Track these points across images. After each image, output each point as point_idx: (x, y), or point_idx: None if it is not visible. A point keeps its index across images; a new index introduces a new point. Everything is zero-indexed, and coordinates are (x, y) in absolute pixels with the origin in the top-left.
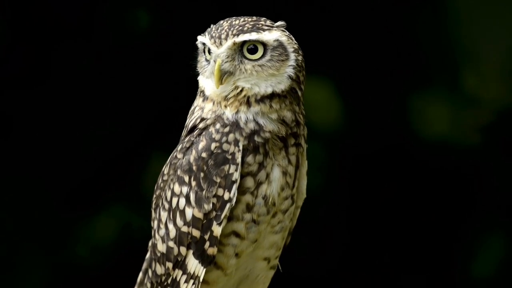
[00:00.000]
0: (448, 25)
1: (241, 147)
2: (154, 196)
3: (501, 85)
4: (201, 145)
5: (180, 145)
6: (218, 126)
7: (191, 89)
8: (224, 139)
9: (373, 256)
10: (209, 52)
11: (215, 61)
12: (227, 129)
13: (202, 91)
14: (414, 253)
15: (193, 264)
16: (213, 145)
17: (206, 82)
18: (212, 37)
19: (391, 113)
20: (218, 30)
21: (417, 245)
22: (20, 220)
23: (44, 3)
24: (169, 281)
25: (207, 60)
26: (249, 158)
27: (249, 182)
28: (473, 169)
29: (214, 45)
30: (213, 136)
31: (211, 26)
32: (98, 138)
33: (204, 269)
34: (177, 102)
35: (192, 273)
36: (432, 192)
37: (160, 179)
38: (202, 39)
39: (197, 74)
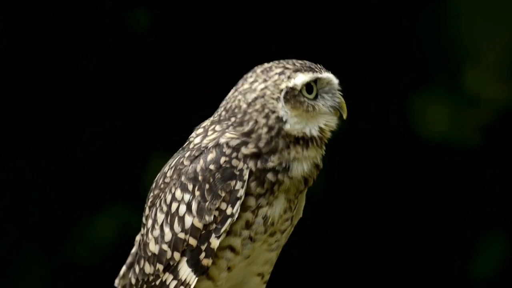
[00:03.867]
0: (448, 25)
1: (249, 166)
2: (152, 194)
3: (501, 85)
4: (210, 156)
5: (189, 152)
6: (231, 142)
7: (191, 89)
8: (234, 154)
9: (373, 256)
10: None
11: (340, 94)
12: (234, 144)
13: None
14: (414, 253)
15: (186, 272)
16: (223, 159)
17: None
18: (323, 70)
19: (391, 113)
20: (312, 65)
21: (417, 245)
22: (20, 220)
23: (44, 3)
24: (157, 282)
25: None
26: (252, 185)
27: (251, 202)
28: (473, 169)
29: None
30: (224, 150)
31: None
32: (98, 138)
33: (196, 278)
34: (177, 102)
35: (183, 280)
36: (432, 192)
37: (161, 180)
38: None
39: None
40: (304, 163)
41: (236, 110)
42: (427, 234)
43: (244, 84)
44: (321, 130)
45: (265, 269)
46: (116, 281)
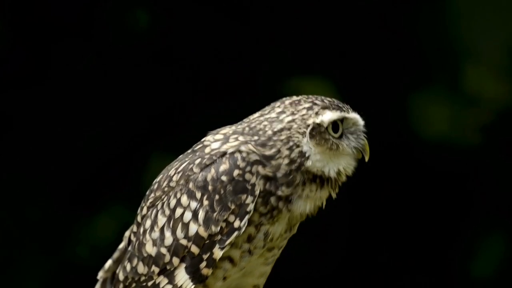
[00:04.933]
0: (448, 25)
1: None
2: (152, 195)
3: (501, 85)
4: (223, 167)
5: (199, 159)
6: (245, 154)
7: (191, 89)
8: (248, 168)
9: (373, 256)
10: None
11: (364, 136)
12: (253, 159)
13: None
14: (414, 253)
15: (182, 278)
16: (236, 172)
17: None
18: (350, 110)
19: (391, 113)
20: (340, 103)
21: (417, 245)
22: (20, 220)
23: (44, 3)
24: (149, 283)
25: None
26: (258, 201)
27: (255, 217)
28: (473, 169)
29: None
30: (238, 163)
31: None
32: (98, 138)
33: (193, 286)
34: (177, 102)
35: (179, 286)
36: (432, 192)
37: (166, 182)
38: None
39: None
40: (309, 203)
41: (261, 133)
42: (427, 234)
43: (271, 113)
44: (338, 172)
45: (260, 281)
46: (100, 274)
